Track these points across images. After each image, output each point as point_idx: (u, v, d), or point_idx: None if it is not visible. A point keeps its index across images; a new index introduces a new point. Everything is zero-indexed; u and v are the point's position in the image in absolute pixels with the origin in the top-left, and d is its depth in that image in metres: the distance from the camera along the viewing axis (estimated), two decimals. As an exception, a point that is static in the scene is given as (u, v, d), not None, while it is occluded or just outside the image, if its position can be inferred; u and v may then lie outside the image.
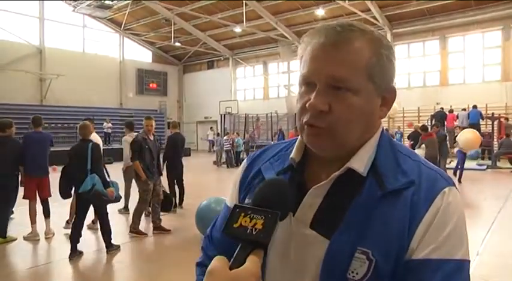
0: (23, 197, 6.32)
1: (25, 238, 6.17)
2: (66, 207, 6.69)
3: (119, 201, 6.03)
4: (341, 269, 0.77)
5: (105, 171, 5.72)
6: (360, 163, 0.83)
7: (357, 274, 0.76)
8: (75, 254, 5.33)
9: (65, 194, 5.87)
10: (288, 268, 0.85)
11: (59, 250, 5.81)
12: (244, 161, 1.06)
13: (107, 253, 5.56)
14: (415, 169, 0.83)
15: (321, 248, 0.80)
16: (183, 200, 8.45)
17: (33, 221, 6.20)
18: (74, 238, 5.41)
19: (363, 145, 0.85)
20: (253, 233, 0.69)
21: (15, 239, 6.18)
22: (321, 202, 0.84)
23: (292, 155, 0.92)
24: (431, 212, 0.77)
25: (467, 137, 11.63)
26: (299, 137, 0.92)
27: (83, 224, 5.58)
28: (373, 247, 0.76)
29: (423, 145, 10.76)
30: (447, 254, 0.75)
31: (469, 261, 0.78)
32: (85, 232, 6.01)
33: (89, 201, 5.47)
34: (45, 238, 6.25)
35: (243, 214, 0.72)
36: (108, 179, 5.63)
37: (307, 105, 0.81)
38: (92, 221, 6.61)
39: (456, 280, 0.74)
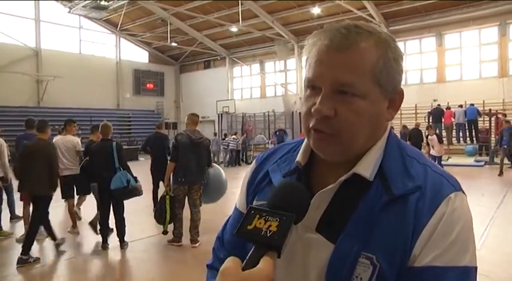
0: (20, 199, 6.33)
1: (17, 241, 6.15)
2: (59, 208, 6.71)
3: (141, 195, 6.13)
4: (345, 273, 0.77)
5: None
6: (367, 167, 0.82)
7: (361, 279, 0.76)
8: (106, 245, 5.78)
9: (83, 190, 6.07)
10: (293, 271, 0.85)
11: (53, 251, 5.77)
12: (253, 162, 1.06)
13: (122, 248, 5.76)
14: (421, 173, 0.81)
15: (326, 252, 0.80)
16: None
17: (26, 222, 6.19)
18: (105, 233, 5.79)
19: (370, 148, 0.84)
20: (268, 235, 0.69)
21: (11, 233, 6.44)
22: (327, 205, 0.83)
23: (298, 158, 0.91)
24: (435, 219, 0.76)
25: None
26: (305, 139, 0.91)
27: (108, 218, 5.84)
28: (378, 252, 0.76)
29: None
30: (451, 261, 0.73)
31: (475, 267, 0.76)
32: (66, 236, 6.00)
33: (113, 197, 5.67)
34: (37, 240, 6.19)
35: (257, 216, 0.71)
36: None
37: (312, 110, 0.80)
38: (72, 226, 6.66)
39: None
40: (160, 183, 7.84)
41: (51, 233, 5.64)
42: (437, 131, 18.35)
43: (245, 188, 1.02)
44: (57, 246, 5.66)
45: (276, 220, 0.70)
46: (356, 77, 0.78)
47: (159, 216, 5.79)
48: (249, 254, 0.68)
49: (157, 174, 7.99)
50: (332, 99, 0.79)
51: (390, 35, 0.86)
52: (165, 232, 5.87)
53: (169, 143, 7.86)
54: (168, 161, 5.93)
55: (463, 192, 0.81)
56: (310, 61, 0.83)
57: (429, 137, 13.07)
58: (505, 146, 12.74)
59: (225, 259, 0.66)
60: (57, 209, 6.94)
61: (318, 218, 0.83)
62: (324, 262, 0.79)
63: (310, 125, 0.82)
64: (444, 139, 18.76)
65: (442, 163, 15.38)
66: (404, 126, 16.77)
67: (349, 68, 0.78)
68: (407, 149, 0.88)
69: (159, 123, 9.13)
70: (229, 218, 1.08)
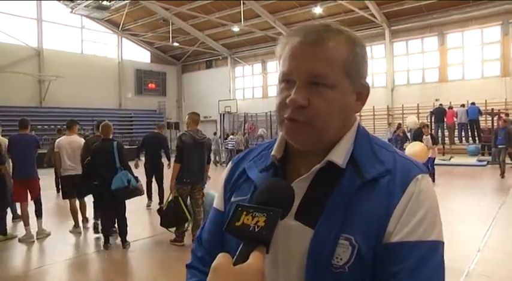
0: (12, 200, 6.32)
1: (20, 240, 6.17)
2: (60, 208, 6.71)
3: (143, 194, 6.11)
4: (326, 256, 0.81)
5: None
6: (339, 155, 0.87)
7: (341, 259, 0.80)
8: (108, 244, 5.74)
9: (86, 191, 6.08)
10: (274, 259, 0.87)
11: (55, 251, 5.79)
12: (230, 163, 1.09)
13: (123, 247, 5.74)
14: (390, 158, 0.88)
15: (306, 238, 0.83)
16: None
17: (26, 223, 6.21)
18: (107, 231, 5.79)
19: (341, 138, 0.89)
20: (256, 230, 0.71)
21: (16, 237, 6.30)
22: (304, 193, 0.87)
23: (273, 152, 0.95)
24: (405, 198, 0.82)
25: (414, 150, 11.49)
26: (279, 135, 0.96)
27: (110, 218, 5.87)
28: (355, 233, 0.80)
29: None
30: (421, 236, 0.79)
31: (443, 242, 0.82)
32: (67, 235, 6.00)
33: (116, 197, 5.65)
34: (37, 239, 6.25)
35: (245, 213, 0.73)
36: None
37: (287, 100, 0.84)
38: (74, 225, 6.64)
39: (431, 259, 0.78)
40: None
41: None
42: (439, 131, 18.35)
43: (222, 187, 1.06)
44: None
45: (264, 216, 0.72)
46: (328, 68, 0.84)
47: (172, 217, 5.65)
48: (238, 250, 0.71)
49: (151, 170, 8.50)
50: (306, 90, 0.84)
51: (356, 35, 0.93)
52: (186, 230, 5.84)
53: (168, 143, 8.04)
54: (173, 162, 5.90)
55: (428, 175, 0.88)
56: (285, 56, 0.88)
57: (424, 136, 12.85)
58: (500, 146, 12.42)
59: (202, 257, 0.66)
60: (58, 209, 6.94)
61: (296, 207, 0.86)
62: (305, 247, 0.83)
63: (285, 116, 0.86)
64: (446, 139, 18.77)
65: (444, 162, 15.38)
66: (399, 125, 16.63)
67: (322, 60, 0.84)
68: (376, 140, 0.94)
69: (160, 124, 9.46)
70: (207, 219, 1.11)
